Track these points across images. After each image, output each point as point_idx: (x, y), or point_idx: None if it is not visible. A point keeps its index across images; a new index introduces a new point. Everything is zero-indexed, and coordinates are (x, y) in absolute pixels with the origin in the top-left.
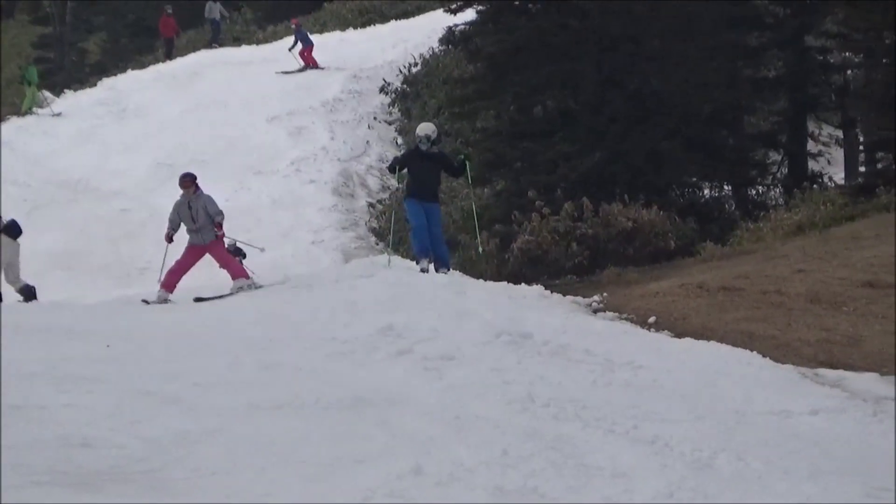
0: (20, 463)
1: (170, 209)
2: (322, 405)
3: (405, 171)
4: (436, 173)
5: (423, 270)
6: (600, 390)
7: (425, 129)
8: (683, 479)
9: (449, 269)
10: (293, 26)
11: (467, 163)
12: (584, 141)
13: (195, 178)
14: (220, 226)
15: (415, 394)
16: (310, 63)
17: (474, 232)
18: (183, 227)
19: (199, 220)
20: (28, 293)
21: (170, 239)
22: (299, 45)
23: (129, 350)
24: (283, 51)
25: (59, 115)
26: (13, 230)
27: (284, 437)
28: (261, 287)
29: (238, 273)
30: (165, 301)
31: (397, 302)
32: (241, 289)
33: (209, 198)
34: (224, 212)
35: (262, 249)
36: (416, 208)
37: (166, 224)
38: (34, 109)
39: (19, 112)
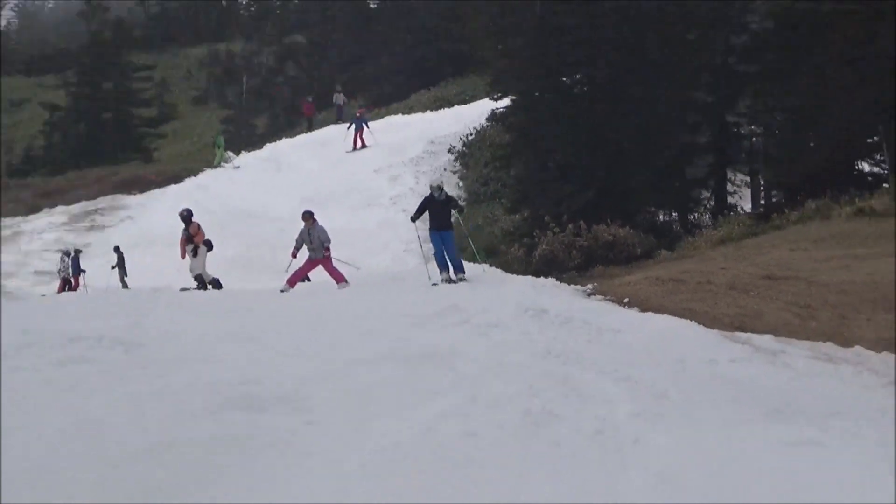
0: (214, 393)
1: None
2: (406, 357)
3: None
4: (447, 211)
5: (443, 281)
6: (593, 346)
7: (437, 181)
8: (647, 404)
9: (464, 274)
10: (357, 114)
11: (462, 211)
12: (581, 183)
13: (312, 213)
14: (328, 249)
15: (470, 349)
16: (356, 144)
17: (476, 254)
18: (304, 247)
19: (314, 242)
20: (216, 284)
21: (294, 255)
22: (353, 127)
23: (281, 321)
24: (383, 126)
25: (238, 167)
26: (209, 245)
27: (384, 378)
28: (347, 286)
29: (340, 279)
30: (284, 291)
31: (458, 287)
32: (341, 288)
33: (322, 228)
34: (331, 239)
35: (359, 268)
36: (436, 238)
37: (293, 244)
38: (222, 164)
39: (212, 166)
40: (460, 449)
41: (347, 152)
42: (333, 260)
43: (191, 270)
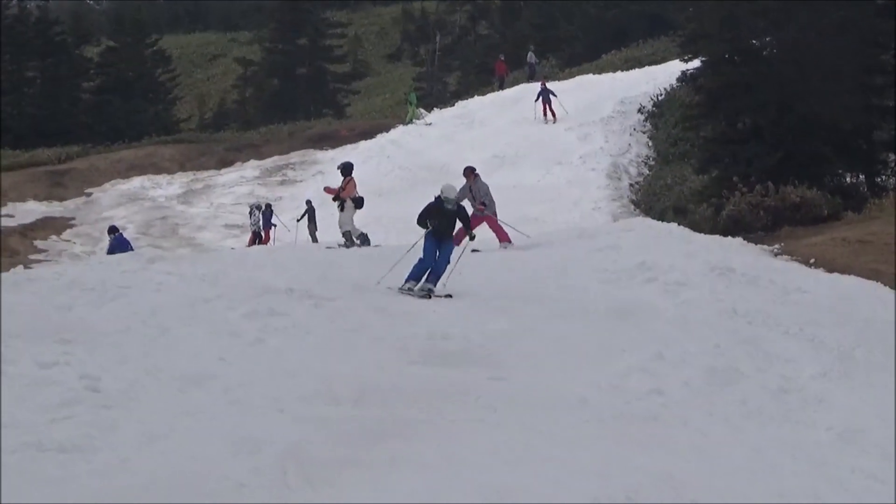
0: (404, 348)
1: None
2: (598, 313)
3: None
4: (454, 222)
5: (402, 290)
6: (779, 306)
7: (450, 191)
8: (832, 364)
9: (434, 285)
10: (541, 85)
11: (471, 235)
12: (769, 145)
13: (474, 169)
14: (483, 205)
15: (659, 307)
16: (546, 116)
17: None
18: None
19: (477, 199)
20: (364, 240)
21: None
22: (540, 99)
23: (474, 275)
24: (573, 86)
25: (430, 124)
26: (358, 202)
27: (573, 333)
28: (512, 246)
29: (504, 238)
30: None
31: (648, 246)
32: (504, 248)
33: (484, 185)
34: (496, 201)
35: (529, 236)
36: (433, 248)
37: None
38: (414, 121)
39: (404, 122)
40: (646, 406)
41: (539, 121)
42: (500, 222)
43: (339, 226)
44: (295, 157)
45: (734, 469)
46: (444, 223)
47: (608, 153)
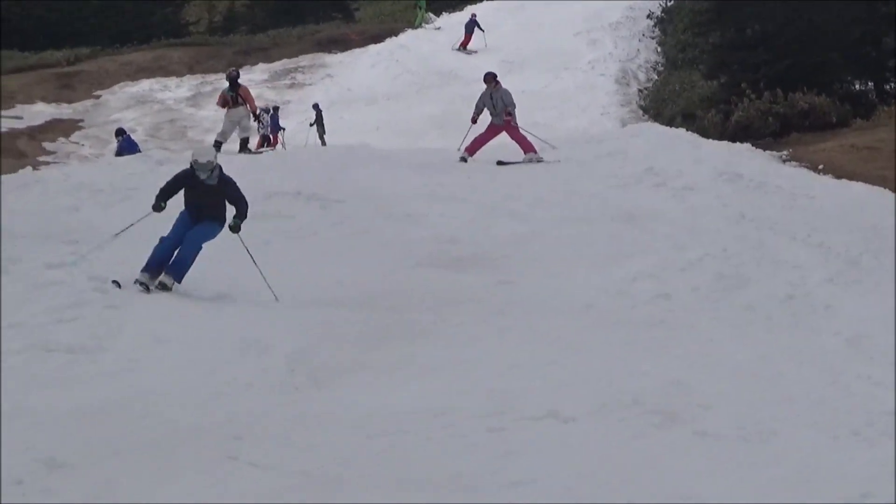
0: (411, 251)
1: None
2: (605, 218)
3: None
4: (218, 201)
5: (138, 283)
6: (786, 212)
7: (203, 154)
8: (839, 270)
9: (178, 280)
10: (471, 16)
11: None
12: (778, 51)
13: (496, 75)
14: (510, 115)
15: (666, 212)
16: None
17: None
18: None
19: (498, 107)
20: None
21: (474, 121)
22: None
23: (480, 180)
24: None
25: (438, 29)
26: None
27: (581, 238)
28: (542, 160)
29: (528, 148)
30: (464, 160)
31: (656, 152)
32: (530, 160)
33: (506, 91)
34: (517, 104)
35: (555, 147)
36: (182, 226)
37: (473, 109)
38: (423, 25)
39: (412, 26)
40: (652, 311)
41: (454, 49)
42: (523, 131)
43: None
44: (304, 60)
45: (741, 375)
46: (198, 199)
47: (617, 59)
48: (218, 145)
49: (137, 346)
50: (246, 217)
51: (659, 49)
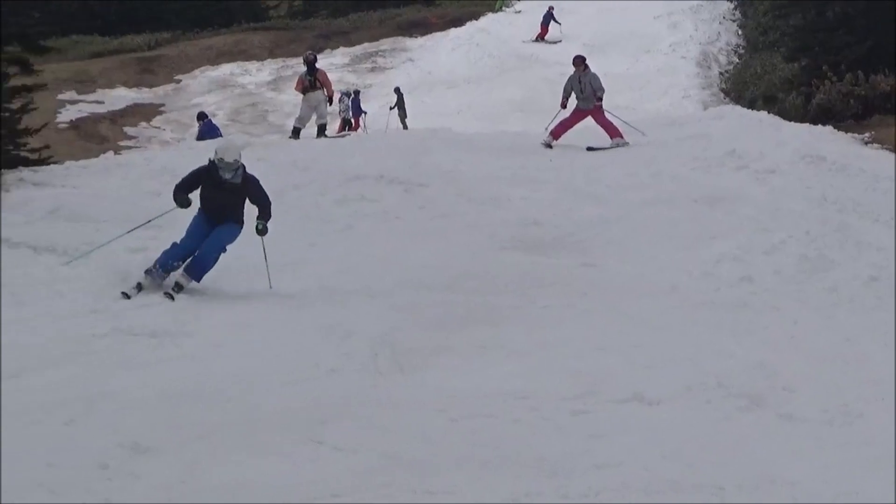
0: (494, 234)
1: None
2: (688, 200)
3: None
4: (237, 199)
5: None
6: (869, 193)
7: (228, 153)
8: None
9: (196, 280)
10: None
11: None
12: (859, 33)
13: (584, 59)
14: (599, 99)
15: (749, 194)
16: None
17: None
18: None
19: (585, 91)
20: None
21: (564, 105)
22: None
23: (562, 163)
24: None
25: (519, 12)
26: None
27: (664, 220)
28: (628, 144)
29: (614, 134)
30: (549, 146)
31: (738, 134)
32: (617, 145)
33: (594, 75)
34: (605, 88)
35: (644, 133)
36: (199, 228)
37: (558, 93)
38: (504, 8)
39: (493, 9)
40: (736, 293)
41: (531, 41)
42: (609, 115)
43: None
44: (385, 44)
45: (825, 357)
46: (219, 198)
47: (698, 41)
48: (296, 132)
49: (221, 330)
50: (270, 217)
51: (739, 32)
